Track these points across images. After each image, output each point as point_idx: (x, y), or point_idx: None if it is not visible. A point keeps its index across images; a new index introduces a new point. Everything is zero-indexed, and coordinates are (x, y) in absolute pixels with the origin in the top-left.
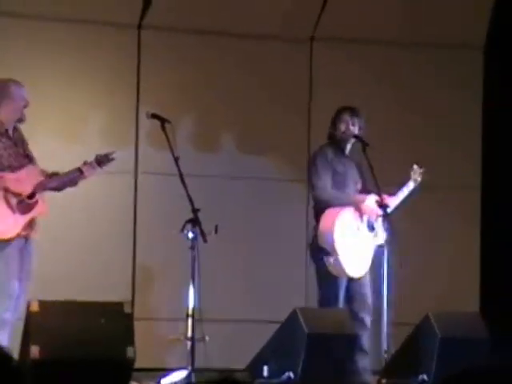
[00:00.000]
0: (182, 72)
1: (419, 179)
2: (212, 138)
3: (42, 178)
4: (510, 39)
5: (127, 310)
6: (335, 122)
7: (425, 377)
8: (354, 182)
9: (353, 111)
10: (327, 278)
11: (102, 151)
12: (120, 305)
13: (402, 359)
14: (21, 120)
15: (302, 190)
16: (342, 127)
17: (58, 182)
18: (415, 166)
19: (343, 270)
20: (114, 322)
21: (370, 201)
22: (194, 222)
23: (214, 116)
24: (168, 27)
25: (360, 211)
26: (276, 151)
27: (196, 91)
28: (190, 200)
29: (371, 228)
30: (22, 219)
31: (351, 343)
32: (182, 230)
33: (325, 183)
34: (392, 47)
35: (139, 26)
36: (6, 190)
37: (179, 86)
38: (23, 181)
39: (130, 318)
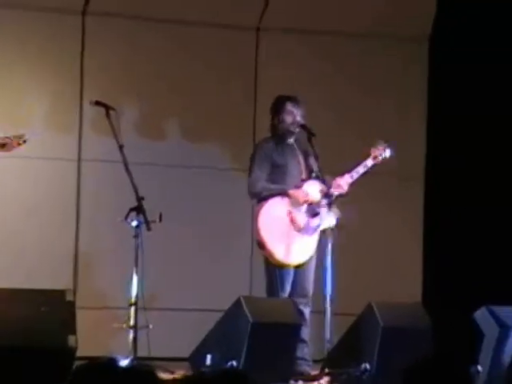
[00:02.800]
0: (127, 59)
1: (381, 158)
2: (157, 126)
3: None
4: (453, 30)
5: (69, 297)
6: (279, 112)
7: (367, 365)
8: (297, 171)
9: (295, 100)
10: (273, 268)
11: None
12: (62, 293)
13: (345, 348)
14: None
15: (246, 179)
16: (289, 118)
17: None
18: (379, 145)
19: (277, 260)
20: (56, 310)
21: (308, 187)
22: (138, 210)
23: (159, 104)
24: (112, 13)
25: (290, 198)
26: (221, 140)
27: (141, 78)
28: (135, 188)
29: (313, 214)
30: None
31: (295, 332)
32: (126, 217)
33: (257, 176)
34: (338, 37)
35: (83, 12)
36: None
37: (124, 73)
38: None
39: (71, 306)
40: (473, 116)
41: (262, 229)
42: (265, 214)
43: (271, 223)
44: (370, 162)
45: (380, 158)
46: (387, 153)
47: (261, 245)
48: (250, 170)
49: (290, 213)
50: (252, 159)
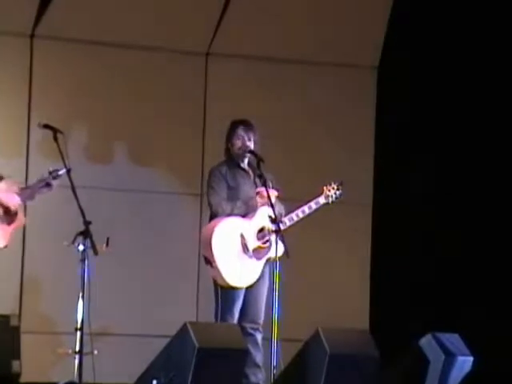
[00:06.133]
0: (75, 82)
1: (333, 198)
2: (105, 150)
3: (17, 190)
4: (401, 60)
5: (14, 322)
6: (230, 137)
7: None
8: (249, 195)
9: (246, 125)
10: (220, 291)
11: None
12: (6, 318)
13: (291, 375)
14: None
15: (194, 204)
16: (238, 143)
17: (27, 195)
18: (333, 184)
19: (223, 279)
20: (0, 335)
21: (261, 212)
22: (85, 234)
23: (108, 127)
24: (61, 37)
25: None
26: (169, 164)
27: (89, 102)
28: (82, 212)
29: (264, 240)
30: (8, 230)
31: (241, 358)
32: (73, 242)
33: (220, 199)
34: (287, 65)
35: (32, 35)
36: None
37: (72, 96)
38: (8, 192)
39: (16, 331)
40: (420, 144)
41: (215, 246)
42: (219, 231)
43: (224, 242)
44: (322, 200)
45: (331, 198)
46: (338, 193)
47: (208, 260)
48: (211, 195)
49: (242, 236)
50: (209, 184)
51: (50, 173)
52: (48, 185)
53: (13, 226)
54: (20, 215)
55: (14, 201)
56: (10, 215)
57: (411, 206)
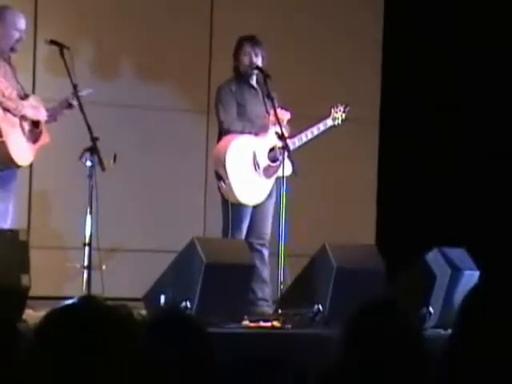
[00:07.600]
0: None
1: (339, 120)
2: (111, 65)
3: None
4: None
5: (22, 237)
6: (238, 54)
7: (320, 306)
8: (257, 113)
9: (253, 42)
10: (229, 206)
11: None
12: (15, 232)
13: (298, 289)
14: (14, 50)
15: (201, 121)
16: (246, 60)
17: (51, 115)
18: (340, 106)
19: (234, 196)
20: (9, 249)
21: (274, 131)
22: (93, 150)
23: (113, 42)
24: None
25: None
26: (176, 81)
27: (95, 17)
28: (89, 128)
29: (274, 159)
30: (34, 148)
31: (249, 273)
32: (80, 158)
33: (230, 117)
34: None
35: None
36: (23, 117)
37: (77, 11)
38: (36, 108)
39: (25, 245)
40: (428, 60)
41: (228, 163)
42: (233, 149)
43: (237, 159)
44: (329, 122)
45: (338, 120)
46: (345, 115)
47: (221, 177)
48: (222, 111)
49: (254, 154)
50: (218, 101)
51: (73, 93)
52: (70, 105)
53: (38, 144)
54: (45, 133)
55: (42, 115)
56: (35, 133)
57: (419, 122)
